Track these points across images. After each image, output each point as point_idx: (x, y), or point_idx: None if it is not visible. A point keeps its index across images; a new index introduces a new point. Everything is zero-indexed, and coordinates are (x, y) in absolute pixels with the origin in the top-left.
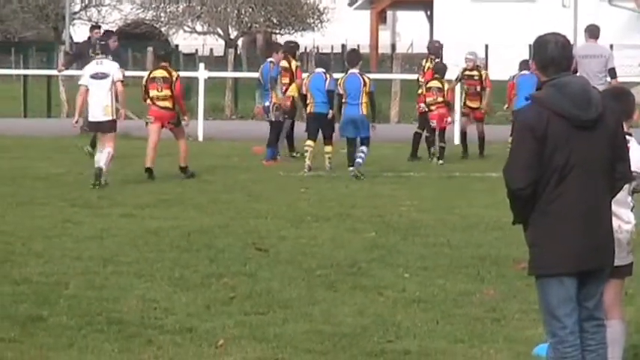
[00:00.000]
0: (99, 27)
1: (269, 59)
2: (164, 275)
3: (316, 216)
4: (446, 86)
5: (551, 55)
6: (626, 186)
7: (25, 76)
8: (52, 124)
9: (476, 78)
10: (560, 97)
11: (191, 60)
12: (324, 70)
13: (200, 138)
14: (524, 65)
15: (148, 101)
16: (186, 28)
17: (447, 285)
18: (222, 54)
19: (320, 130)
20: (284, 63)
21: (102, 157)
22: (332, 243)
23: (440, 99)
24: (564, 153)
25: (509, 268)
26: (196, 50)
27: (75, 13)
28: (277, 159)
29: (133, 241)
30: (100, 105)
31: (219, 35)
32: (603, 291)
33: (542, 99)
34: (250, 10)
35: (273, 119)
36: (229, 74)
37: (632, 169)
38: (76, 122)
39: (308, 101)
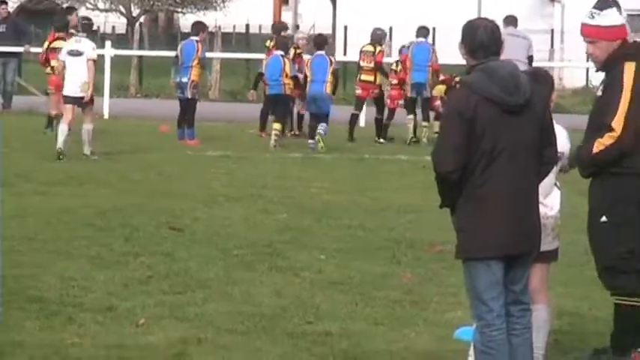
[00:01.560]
0: (5, 2)
1: (194, 38)
2: (81, 253)
3: (228, 196)
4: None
5: (481, 39)
6: (554, 169)
7: None
8: None
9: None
10: (488, 82)
11: (94, 37)
12: (282, 54)
13: (106, 116)
14: (421, 32)
15: (48, 70)
16: (88, 5)
17: (364, 267)
18: (124, 32)
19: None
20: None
21: (85, 138)
22: (245, 223)
23: (394, 81)
24: (492, 137)
25: (425, 252)
26: (98, 27)
27: None
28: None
29: (48, 219)
30: (77, 81)
31: (121, 13)
32: (530, 275)
33: (471, 83)
34: None
35: (190, 97)
36: (135, 52)
37: (558, 150)
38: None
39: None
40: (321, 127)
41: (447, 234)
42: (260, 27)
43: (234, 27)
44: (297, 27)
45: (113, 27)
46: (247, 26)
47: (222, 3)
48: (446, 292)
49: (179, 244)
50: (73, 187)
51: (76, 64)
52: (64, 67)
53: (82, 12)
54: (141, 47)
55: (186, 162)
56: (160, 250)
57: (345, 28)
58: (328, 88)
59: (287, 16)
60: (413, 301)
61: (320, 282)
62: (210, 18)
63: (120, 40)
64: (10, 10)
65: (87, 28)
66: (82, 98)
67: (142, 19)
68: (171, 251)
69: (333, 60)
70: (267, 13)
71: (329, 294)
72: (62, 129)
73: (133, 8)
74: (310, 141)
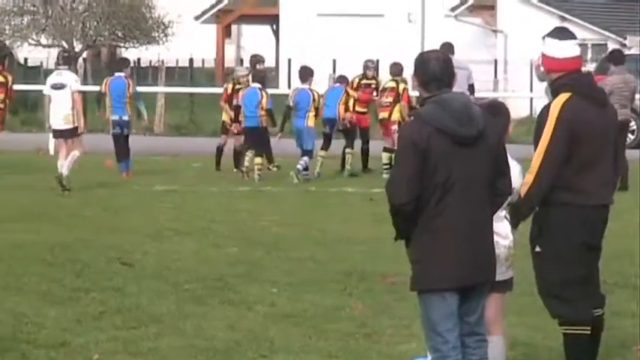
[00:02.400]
0: None
1: (120, 74)
2: (32, 289)
3: (176, 230)
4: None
5: (433, 71)
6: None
7: None
8: None
9: (373, 86)
10: (441, 114)
11: (37, 73)
12: (259, 87)
13: (51, 152)
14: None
15: None
16: (30, 41)
17: (316, 300)
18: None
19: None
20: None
21: (65, 163)
22: (196, 257)
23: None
24: (446, 169)
25: (377, 283)
26: (41, 63)
27: None
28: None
29: None
30: (61, 114)
31: (64, 49)
32: (485, 306)
33: (424, 115)
34: (95, 23)
35: (126, 133)
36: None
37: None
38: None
39: (241, 116)
40: (300, 163)
41: (398, 266)
42: (203, 61)
43: (177, 61)
44: (241, 61)
45: (56, 62)
46: (191, 60)
47: (165, 37)
48: (399, 324)
49: (130, 279)
50: (24, 222)
51: (60, 97)
52: (49, 102)
53: (25, 48)
54: (84, 82)
55: (133, 197)
56: (111, 285)
57: (289, 60)
58: (309, 122)
59: (230, 49)
60: (366, 334)
61: (273, 315)
62: (153, 52)
63: None
64: None
65: (67, 60)
66: (68, 130)
67: (84, 55)
68: (122, 286)
69: (316, 95)
70: (210, 46)
71: (282, 327)
72: (61, 164)
73: (75, 43)
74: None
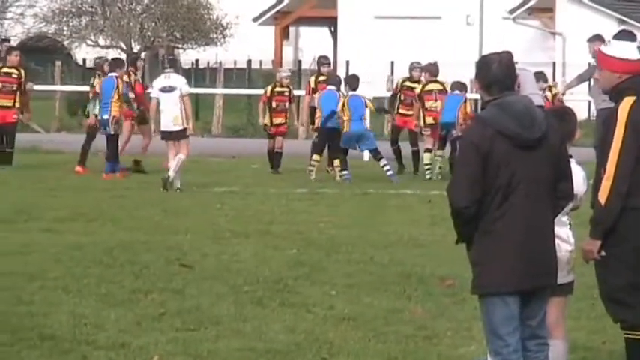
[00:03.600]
0: (8, 40)
1: (113, 74)
2: (91, 291)
3: (235, 232)
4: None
5: (495, 74)
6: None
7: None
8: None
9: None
10: (503, 117)
11: (95, 74)
12: (336, 88)
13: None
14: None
15: None
16: (89, 42)
17: (375, 302)
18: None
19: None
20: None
21: (172, 165)
22: (255, 259)
23: None
24: (507, 172)
25: (435, 286)
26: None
27: None
28: (117, 173)
29: (56, 256)
30: (170, 116)
31: (122, 49)
32: (546, 309)
33: (486, 118)
34: (153, 24)
35: (112, 133)
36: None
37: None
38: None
39: (316, 116)
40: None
41: (457, 268)
42: (261, 62)
43: (235, 63)
44: (299, 62)
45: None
46: (249, 62)
47: (223, 39)
48: (459, 327)
49: (189, 280)
50: (80, 223)
51: (169, 100)
52: (157, 104)
53: (84, 49)
54: (143, 83)
55: (192, 198)
56: (171, 287)
57: (347, 62)
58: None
59: (288, 51)
60: (426, 336)
61: (332, 318)
62: (211, 53)
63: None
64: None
65: (173, 63)
66: (177, 132)
67: (142, 55)
68: (182, 288)
69: (367, 101)
70: (269, 48)
71: (342, 330)
72: (170, 166)
73: (133, 45)
74: (345, 172)
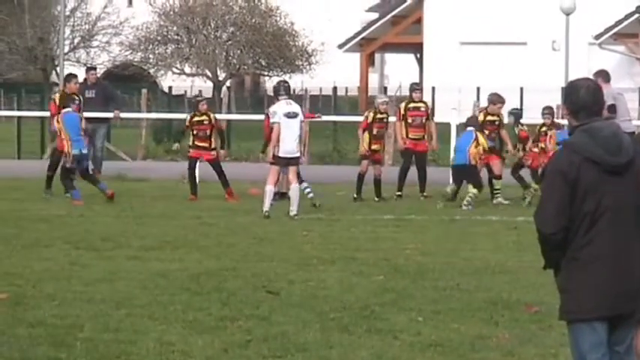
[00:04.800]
0: (95, 68)
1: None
2: (178, 318)
3: (322, 259)
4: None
5: (583, 100)
6: None
7: (19, 117)
8: (45, 166)
9: (422, 109)
10: (591, 143)
11: (180, 101)
12: (473, 129)
13: (196, 180)
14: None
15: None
16: (174, 70)
17: (462, 329)
18: (210, 96)
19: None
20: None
21: (294, 199)
22: (341, 286)
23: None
24: (595, 198)
25: (522, 312)
26: (185, 92)
27: (64, 54)
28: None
29: (143, 283)
30: (293, 142)
31: (208, 77)
32: (634, 335)
33: (574, 144)
34: (239, 52)
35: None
36: (224, 116)
37: None
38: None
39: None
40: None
41: (543, 294)
42: (347, 89)
43: (320, 89)
44: (384, 89)
45: (200, 91)
46: (335, 89)
47: (309, 65)
48: (546, 353)
49: (276, 307)
50: (167, 251)
51: (293, 126)
52: (279, 130)
53: (169, 76)
54: (229, 111)
55: (278, 225)
56: (257, 314)
57: (433, 89)
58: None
59: (373, 78)
60: None
61: (419, 344)
62: (297, 81)
63: (207, 104)
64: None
65: (288, 90)
66: (296, 158)
67: (228, 83)
68: (268, 315)
69: (479, 136)
70: (354, 75)
71: (429, 356)
72: (269, 189)
73: (219, 72)
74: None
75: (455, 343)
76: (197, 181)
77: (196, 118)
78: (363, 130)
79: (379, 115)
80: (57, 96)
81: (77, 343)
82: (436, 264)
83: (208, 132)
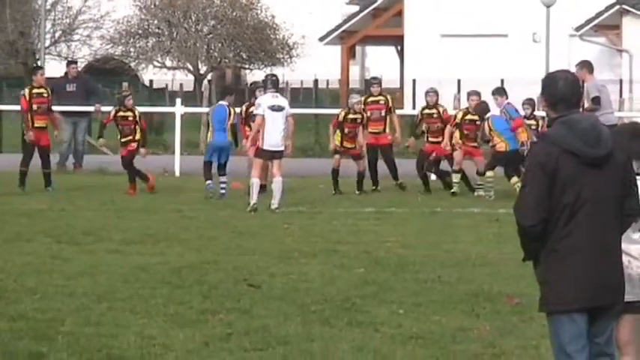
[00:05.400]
0: (75, 62)
1: (223, 102)
2: (159, 311)
3: (303, 252)
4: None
5: (561, 91)
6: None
7: (0, 111)
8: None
9: (435, 116)
10: (570, 135)
11: (161, 95)
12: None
13: (177, 173)
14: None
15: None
16: (155, 64)
17: (443, 321)
18: (192, 89)
19: None
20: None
21: (276, 195)
22: (322, 279)
23: None
24: (574, 190)
25: (503, 304)
26: (166, 85)
27: (45, 48)
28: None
29: (124, 277)
30: (277, 135)
31: (189, 70)
32: (614, 327)
33: (552, 136)
34: (220, 45)
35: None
36: (205, 109)
37: None
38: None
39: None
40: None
41: (525, 286)
42: (328, 82)
43: (301, 82)
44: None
45: (181, 84)
46: (315, 82)
47: (290, 59)
48: (526, 345)
49: (257, 300)
50: (148, 244)
51: (277, 119)
52: (262, 122)
53: (150, 70)
54: (209, 103)
55: (259, 218)
56: (238, 307)
57: (414, 81)
58: None
59: (354, 71)
60: (494, 354)
61: (399, 336)
62: (278, 73)
63: (188, 98)
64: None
65: (276, 84)
66: (280, 151)
67: (209, 76)
68: (250, 308)
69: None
70: (335, 67)
71: (409, 349)
72: (255, 182)
73: (200, 65)
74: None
75: (436, 335)
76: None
77: (121, 114)
78: (334, 127)
79: (352, 116)
80: (26, 91)
81: (58, 336)
82: (417, 256)
83: (133, 127)
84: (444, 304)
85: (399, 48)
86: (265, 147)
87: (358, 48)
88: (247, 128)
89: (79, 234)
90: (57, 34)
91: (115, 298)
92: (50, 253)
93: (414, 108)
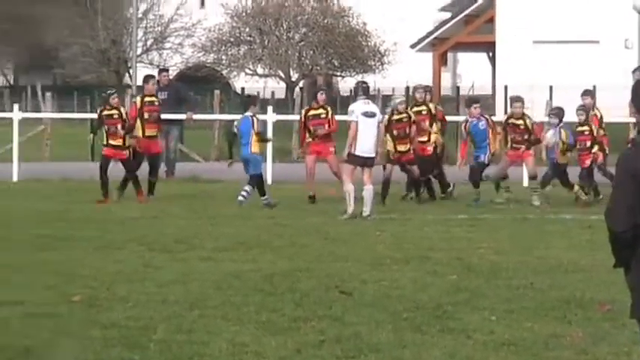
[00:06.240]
0: (167, 70)
1: (248, 113)
2: (251, 319)
3: (395, 259)
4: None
5: None
6: None
7: (92, 119)
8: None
9: (522, 127)
10: None
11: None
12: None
13: (269, 181)
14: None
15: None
16: (247, 71)
17: (535, 328)
18: (283, 96)
19: None
20: None
21: (367, 200)
22: (414, 286)
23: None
24: None
25: (595, 311)
26: (258, 93)
27: (137, 56)
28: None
29: (216, 284)
30: (370, 142)
31: (281, 78)
32: None
33: None
34: (311, 52)
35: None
36: (297, 117)
37: None
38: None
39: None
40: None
41: (616, 293)
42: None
43: (393, 90)
44: (457, 88)
45: (272, 92)
46: (407, 88)
47: (381, 66)
48: (619, 351)
49: (348, 307)
50: (240, 252)
51: (370, 126)
52: (355, 128)
53: (242, 77)
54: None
55: (351, 225)
56: (330, 314)
57: (505, 87)
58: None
59: (446, 77)
60: None
61: (492, 343)
62: (369, 80)
63: (279, 105)
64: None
65: (366, 90)
66: (372, 158)
67: (301, 84)
68: (341, 315)
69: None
70: (427, 74)
71: (502, 355)
72: (350, 189)
73: (291, 73)
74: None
75: (528, 342)
76: (108, 181)
77: (106, 112)
78: (385, 132)
79: (396, 117)
80: (138, 99)
81: (150, 344)
82: (510, 263)
83: (119, 127)
84: (537, 310)
85: (490, 54)
86: (357, 153)
87: (450, 54)
88: (307, 134)
89: (171, 242)
90: (149, 42)
91: (207, 305)
92: (142, 261)
93: (505, 114)
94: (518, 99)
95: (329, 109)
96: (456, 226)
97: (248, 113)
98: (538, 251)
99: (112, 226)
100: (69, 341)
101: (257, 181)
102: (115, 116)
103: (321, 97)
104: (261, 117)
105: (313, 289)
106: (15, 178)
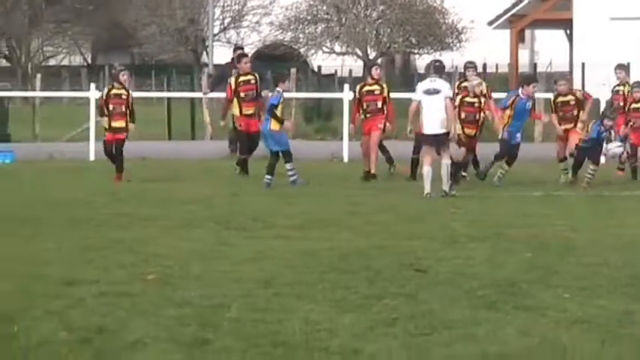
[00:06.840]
0: (242, 48)
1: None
2: (325, 297)
3: (470, 236)
4: None
5: None
6: None
7: (169, 98)
8: (196, 147)
9: (572, 103)
10: None
11: (331, 81)
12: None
13: (345, 159)
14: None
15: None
16: (324, 49)
17: (609, 305)
18: (360, 74)
19: None
20: None
21: (444, 177)
22: (489, 263)
23: None
24: None
25: None
26: (335, 71)
27: (214, 35)
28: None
29: (291, 262)
30: (436, 119)
31: (358, 56)
32: None
33: None
34: (389, 30)
35: None
36: None
37: None
38: (410, 132)
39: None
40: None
41: None
42: (497, 66)
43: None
44: (534, 65)
45: (350, 70)
46: (484, 65)
47: (459, 43)
48: None
49: (423, 285)
50: (315, 230)
51: (433, 102)
52: (416, 108)
53: (319, 56)
54: None
55: (426, 203)
56: (404, 292)
57: (583, 65)
58: None
59: (523, 55)
60: None
61: (565, 321)
62: (447, 58)
63: (356, 83)
64: None
65: (439, 69)
66: (443, 135)
67: (378, 61)
68: (415, 293)
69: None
70: (504, 51)
71: (575, 333)
72: (426, 171)
73: (369, 51)
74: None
75: (601, 319)
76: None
77: (114, 91)
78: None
79: (468, 99)
80: (232, 80)
81: (224, 322)
82: (583, 240)
83: (124, 108)
84: (610, 288)
85: (568, 31)
86: (426, 132)
87: (527, 32)
88: (358, 113)
89: (247, 220)
90: (226, 21)
91: (281, 283)
92: (217, 240)
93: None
94: (562, 77)
95: (384, 85)
96: (530, 204)
97: (279, 89)
98: (612, 228)
99: (187, 205)
100: (143, 320)
101: (288, 156)
102: (123, 96)
103: (375, 72)
104: (338, 95)
105: (387, 266)
106: (92, 157)
